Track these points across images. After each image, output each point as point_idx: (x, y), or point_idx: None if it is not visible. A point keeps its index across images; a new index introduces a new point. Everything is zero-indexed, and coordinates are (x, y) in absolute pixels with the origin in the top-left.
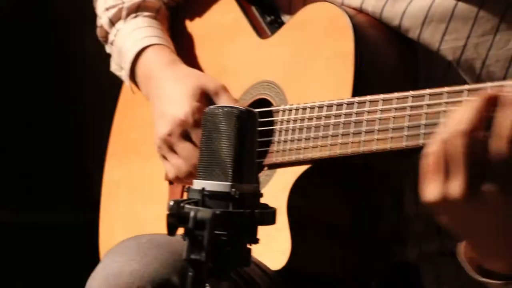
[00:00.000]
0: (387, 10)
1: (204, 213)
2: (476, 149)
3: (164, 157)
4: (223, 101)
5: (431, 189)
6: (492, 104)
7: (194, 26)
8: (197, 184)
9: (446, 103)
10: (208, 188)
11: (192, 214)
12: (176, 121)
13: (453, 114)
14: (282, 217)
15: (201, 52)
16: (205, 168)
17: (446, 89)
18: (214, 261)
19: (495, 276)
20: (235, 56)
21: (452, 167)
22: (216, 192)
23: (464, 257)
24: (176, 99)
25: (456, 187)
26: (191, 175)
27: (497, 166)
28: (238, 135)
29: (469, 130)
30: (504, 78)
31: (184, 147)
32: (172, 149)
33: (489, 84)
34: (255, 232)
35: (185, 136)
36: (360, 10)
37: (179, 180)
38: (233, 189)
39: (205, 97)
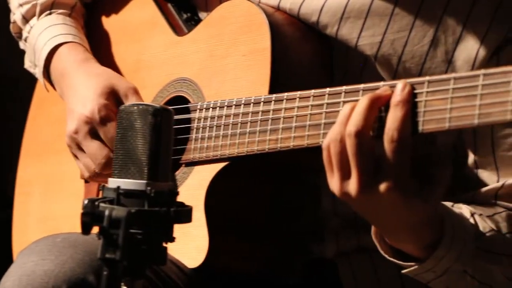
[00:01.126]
0: (305, 7)
1: (119, 211)
2: (366, 149)
3: (75, 156)
4: (132, 102)
5: (332, 186)
6: (381, 103)
7: (110, 23)
8: (112, 182)
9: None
10: (123, 186)
11: (107, 212)
12: (82, 118)
13: (342, 114)
14: (199, 215)
15: (118, 49)
16: (120, 166)
17: (362, 86)
18: (129, 259)
19: (408, 258)
20: (151, 53)
21: (346, 166)
22: (132, 191)
23: (375, 238)
24: (84, 96)
25: (352, 185)
26: (100, 174)
27: (389, 165)
28: (154, 133)
29: (357, 131)
30: (420, 74)
31: (90, 145)
32: (79, 147)
33: (382, 83)
34: (171, 230)
35: (92, 134)
36: (278, 8)
37: (93, 178)
38: (149, 187)
39: (114, 97)
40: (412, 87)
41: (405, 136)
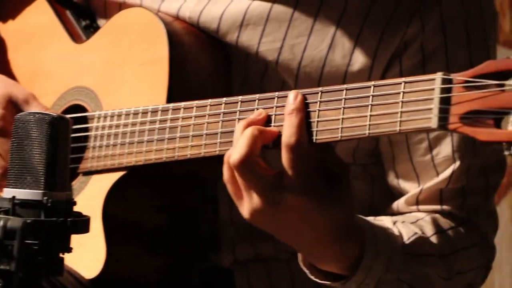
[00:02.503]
0: (205, 15)
1: (14, 222)
2: (259, 170)
3: None
4: (32, 109)
5: (241, 209)
6: (264, 137)
7: (6, 29)
8: (8, 192)
9: (257, 109)
10: (19, 196)
11: (1, 223)
12: None
13: (234, 141)
14: (97, 225)
15: (14, 56)
16: (16, 176)
17: (257, 96)
18: (25, 271)
19: (330, 277)
20: (49, 60)
21: (247, 190)
22: (28, 201)
23: (304, 265)
24: None
25: (258, 206)
26: None
27: (292, 174)
28: (50, 142)
29: (241, 160)
30: (320, 78)
31: None
32: None
33: (276, 93)
34: (68, 240)
35: None
36: (177, 17)
37: None
38: (45, 197)
39: (12, 105)
40: (305, 97)
41: (303, 142)
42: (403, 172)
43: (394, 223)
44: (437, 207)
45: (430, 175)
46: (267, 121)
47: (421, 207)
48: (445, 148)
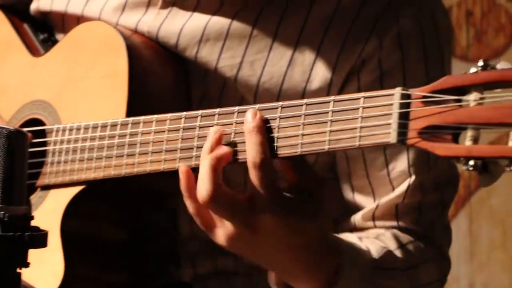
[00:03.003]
0: (164, 30)
1: None
2: (225, 198)
3: None
4: None
5: (215, 238)
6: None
7: None
8: None
9: (217, 124)
10: None
11: None
12: None
13: (200, 178)
14: (55, 239)
15: None
16: None
17: (217, 110)
18: None
19: None
20: (6, 74)
21: (220, 220)
22: None
23: (274, 280)
24: None
25: (233, 231)
26: None
27: (261, 193)
28: (7, 156)
29: (214, 194)
30: (279, 94)
31: None
32: None
33: (236, 108)
34: (25, 255)
35: None
36: (135, 31)
37: None
38: (2, 212)
39: None
40: (264, 112)
41: (267, 159)
42: (359, 186)
43: (360, 239)
44: (394, 223)
45: (385, 190)
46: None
47: (378, 223)
48: (401, 163)
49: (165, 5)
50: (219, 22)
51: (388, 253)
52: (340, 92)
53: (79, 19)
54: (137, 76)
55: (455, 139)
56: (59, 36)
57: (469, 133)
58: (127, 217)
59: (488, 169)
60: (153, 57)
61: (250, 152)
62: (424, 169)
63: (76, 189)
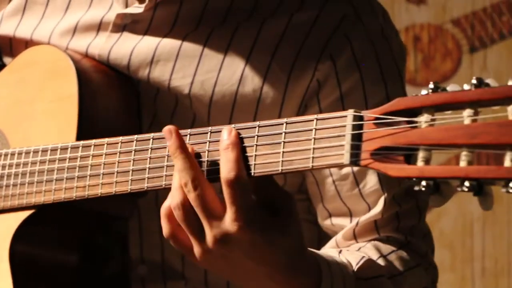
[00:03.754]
0: (115, 52)
1: None
2: (192, 217)
3: None
4: None
5: (192, 258)
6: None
7: None
8: None
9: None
10: None
11: None
12: None
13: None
14: (4, 265)
15: None
16: None
17: (189, 130)
18: None
19: None
20: None
21: (194, 238)
22: None
23: None
24: None
25: (205, 249)
26: None
27: (235, 209)
28: None
29: (186, 210)
30: (231, 114)
31: None
32: None
33: (209, 128)
34: None
35: None
36: (86, 55)
37: None
38: None
39: None
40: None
41: (242, 176)
42: (334, 209)
43: (340, 252)
44: (375, 236)
45: (362, 208)
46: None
47: (359, 240)
48: (371, 179)
49: (116, 29)
50: (170, 43)
51: (370, 262)
52: (298, 114)
53: (27, 43)
54: (87, 99)
55: (408, 160)
56: (7, 60)
57: (421, 154)
58: (77, 241)
59: (439, 189)
60: (103, 80)
61: (225, 169)
62: (395, 182)
63: (25, 213)
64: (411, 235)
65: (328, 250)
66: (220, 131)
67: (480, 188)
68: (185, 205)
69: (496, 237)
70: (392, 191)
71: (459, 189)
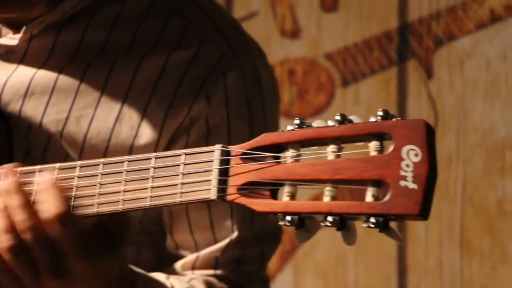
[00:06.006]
0: None
1: None
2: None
3: None
4: None
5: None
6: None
7: None
8: None
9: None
10: None
11: None
12: None
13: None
14: None
15: None
16: None
17: (38, 167)
18: None
19: None
20: None
21: (27, 275)
22: None
23: None
24: None
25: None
26: None
27: (65, 243)
28: None
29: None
30: (106, 150)
31: None
32: None
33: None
34: None
35: None
36: None
37: None
38: None
39: None
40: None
41: (66, 213)
42: (182, 241)
43: (168, 277)
44: (211, 271)
45: (207, 241)
46: None
47: (196, 271)
48: (225, 219)
49: None
50: (45, 75)
51: None
52: (167, 149)
53: None
54: None
55: (274, 195)
56: None
57: (286, 189)
58: None
59: (304, 224)
60: None
61: (50, 207)
62: (246, 224)
63: None
64: (248, 280)
65: (156, 274)
66: (90, 166)
67: (343, 223)
68: (14, 236)
69: (368, 267)
70: (241, 234)
71: (322, 224)
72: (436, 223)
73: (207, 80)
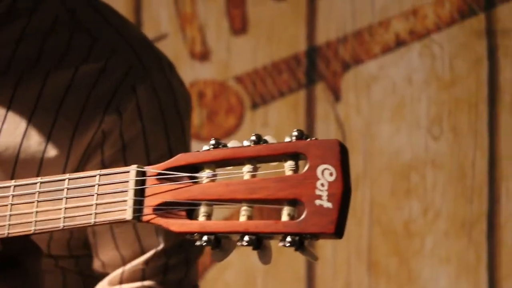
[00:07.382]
0: None
1: None
2: None
3: None
4: None
5: None
6: None
7: None
8: None
9: None
10: None
11: None
12: None
13: None
14: None
15: None
16: None
17: None
18: None
19: None
20: None
21: None
22: None
23: None
24: None
25: None
26: None
27: None
28: None
29: None
30: (15, 164)
31: None
32: None
33: None
34: None
35: None
36: None
37: None
38: None
39: None
40: None
41: None
42: (109, 259)
43: None
44: (139, 283)
45: (134, 254)
46: None
47: (124, 285)
48: (149, 230)
49: None
50: None
51: None
52: (81, 167)
53: None
54: None
55: (190, 215)
56: None
57: (202, 209)
58: None
59: (220, 244)
60: None
61: None
62: (171, 236)
63: None
64: (178, 287)
65: None
66: (1, 188)
67: (259, 242)
68: None
69: None
70: (166, 243)
71: (239, 243)
72: (344, 244)
73: (116, 94)
